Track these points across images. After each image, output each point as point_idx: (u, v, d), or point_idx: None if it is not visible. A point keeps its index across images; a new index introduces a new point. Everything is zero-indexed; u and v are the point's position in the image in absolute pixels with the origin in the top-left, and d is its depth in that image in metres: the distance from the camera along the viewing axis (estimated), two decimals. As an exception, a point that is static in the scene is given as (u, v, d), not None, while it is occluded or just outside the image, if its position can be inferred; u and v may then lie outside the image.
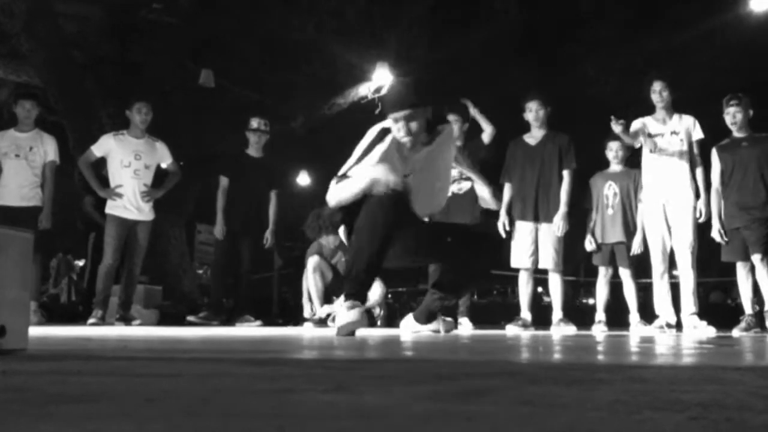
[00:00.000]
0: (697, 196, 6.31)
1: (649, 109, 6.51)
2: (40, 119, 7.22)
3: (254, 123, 7.68)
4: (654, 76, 6.51)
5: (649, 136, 6.34)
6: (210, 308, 7.57)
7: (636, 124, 6.44)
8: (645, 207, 6.49)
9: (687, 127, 6.37)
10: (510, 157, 6.96)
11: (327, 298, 7.63)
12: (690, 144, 6.35)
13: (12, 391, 1.18)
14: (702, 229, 6.43)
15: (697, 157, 6.38)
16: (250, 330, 6.27)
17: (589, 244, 6.97)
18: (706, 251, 6.52)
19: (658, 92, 6.41)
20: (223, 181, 7.64)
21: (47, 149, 6.96)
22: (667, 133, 6.38)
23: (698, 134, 6.36)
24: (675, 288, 6.46)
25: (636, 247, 6.72)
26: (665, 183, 6.32)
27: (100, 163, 7.19)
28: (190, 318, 7.27)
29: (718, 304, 16.59)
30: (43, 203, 6.89)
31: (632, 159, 7.01)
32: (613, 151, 6.99)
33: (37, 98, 7.38)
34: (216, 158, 8.14)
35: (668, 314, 6.32)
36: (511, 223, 6.76)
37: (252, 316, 7.52)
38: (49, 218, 6.90)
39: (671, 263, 6.40)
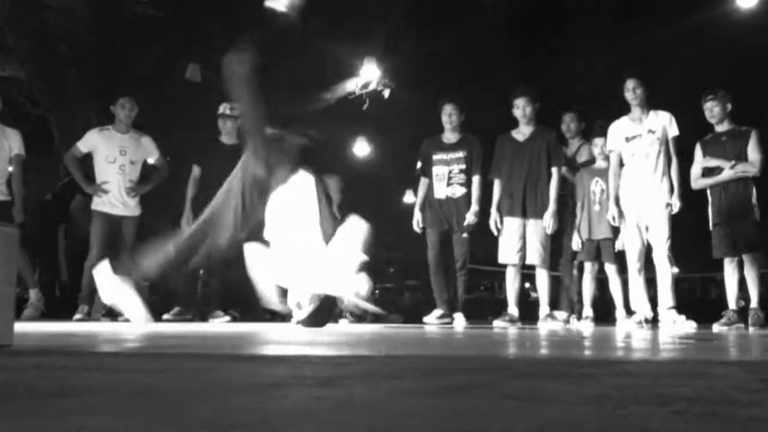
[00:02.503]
0: (671, 191, 6.34)
1: (628, 107, 6.51)
2: (24, 112, 7.14)
3: (221, 108, 7.51)
4: (627, 74, 6.51)
5: (626, 140, 6.40)
6: (182, 303, 7.42)
7: (613, 133, 6.46)
8: (621, 207, 6.50)
9: (663, 124, 6.39)
10: (498, 153, 6.96)
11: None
12: (666, 141, 6.38)
13: (-3, 387, 1.17)
14: (686, 225, 6.46)
15: (674, 154, 6.41)
16: (236, 326, 6.25)
17: (576, 244, 6.99)
18: (691, 246, 6.55)
19: (631, 90, 6.42)
20: (195, 170, 7.39)
21: (12, 143, 6.87)
22: (644, 132, 6.40)
23: (674, 131, 6.38)
24: (653, 283, 6.51)
25: (619, 244, 6.76)
26: (640, 181, 6.35)
27: (88, 160, 7.12)
28: (166, 316, 7.19)
29: (702, 299, 16.69)
30: (12, 198, 6.80)
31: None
32: (598, 147, 7.00)
33: None
34: (188, 147, 7.93)
35: (645, 310, 6.36)
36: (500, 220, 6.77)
37: (221, 311, 7.32)
38: (22, 212, 6.82)
39: (649, 260, 6.44)
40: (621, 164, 6.49)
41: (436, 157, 6.95)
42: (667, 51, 11.05)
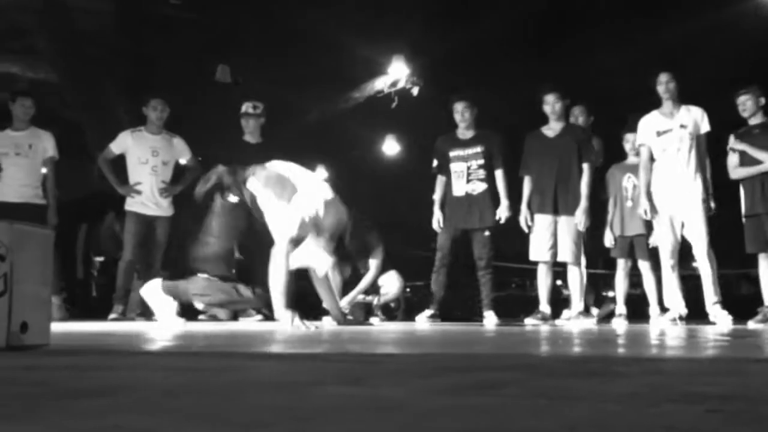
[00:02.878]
0: (707, 188, 6.27)
1: (658, 102, 6.45)
2: (56, 115, 7.21)
3: (243, 107, 7.54)
4: (660, 68, 6.44)
5: (657, 134, 6.34)
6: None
7: (644, 127, 6.40)
8: (655, 203, 6.43)
9: (695, 119, 6.32)
10: (527, 150, 6.92)
11: (345, 293, 7.62)
12: (698, 137, 6.31)
13: (33, 386, 1.19)
14: (722, 222, 6.37)
15: (705, 151, 6.33)
16: (268, 325, 6.29)
17: (608, 241, 6.93)
18: (723, 242, 6.46)
19: (664, 84, 6.35)
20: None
21: (46, 145, 6.97)
22: (676, 127, 6.33)
23: (706, 127, 6.30)
24: (690, 280, 6.43)
25: (653, 240, 6.69)
26: (673, 176, 6.28)
27: (121, 161, 7.18)
28: (202, 317, 7.25)
29: (736, 295, 16.46)
30: (47, 200, 6.91)
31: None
32: (630, 143, 6.94)
33: (33, 96, 7.34)
34: (216, 148, 7.98)
35: (679, 306, 6.29)
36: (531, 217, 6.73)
37: (254, 310, 7.35)
38: (56, 215, 6.92)
39: (687, 256, 6.37)
40: (651, 159, 6.43)
41: (452, 153, 6.90)
42: (692, 46, 10.91)
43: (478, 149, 6.82)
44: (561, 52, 11.29)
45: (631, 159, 6.91)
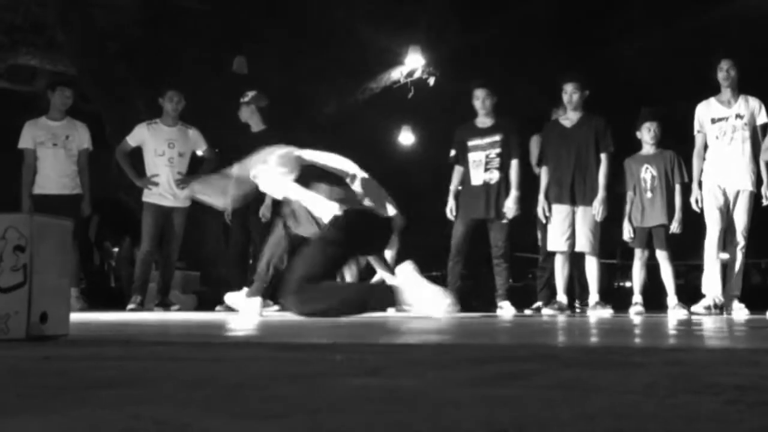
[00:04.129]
0: (760, 181, 6.21)
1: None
2: (76, 108, 7.27)
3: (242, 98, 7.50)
4: (722, 54, 6.35)
5: (712, 121, 6.28)
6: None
7: (700, 114, 6.33)
8: (703, 189, 6.38)
9: (752, 110, 6.25)
10: (545, 140, 6.90)
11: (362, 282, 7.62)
12: (754, 128, 6.25)
13: (53, 376, 1.21)
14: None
15: (762, 141, 6.25)
16: (285, 315, 6.30)
17: (627, 234, 6.90)
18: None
19: (725, 71, 6.26)
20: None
21: (82, 137, 7.04)
22: (732, 116, 6.26)
23: (763, 118, 6.23)
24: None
25: (675, 227, 6.66)
26: (726, 166, 6.21)
27: (138, 154, 7.21)
28: (219, 308, 7.28)
29: (752, 285, 16.34)
30: (83, 191, 6.97)
31: (665, 140, 6.91)
32: (651, 131, 6.90)
33: (74, 86, 7.44)
34: (229, 142, 7.98)
35: (716, 293, 6.22)
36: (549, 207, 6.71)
37: (270, 300, 7.33)
38: (90, 205, 7.00)
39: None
40: (705, 146, 6.37)
41: (471, 143, 6.85)
42: (718, 35, 10.80)
43: (497, 138, 6.76)
44: (581, 41, 11.22)
45: (647, 149, 6.86)
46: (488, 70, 8.72)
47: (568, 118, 6.76)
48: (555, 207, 6.68)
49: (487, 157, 6.76)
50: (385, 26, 10.12)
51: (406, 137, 12.90)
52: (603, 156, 6.60)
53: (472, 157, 6.82)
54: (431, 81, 10.35)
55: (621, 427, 0.73)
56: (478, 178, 6.78)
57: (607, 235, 6.88)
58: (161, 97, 7.20)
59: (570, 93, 6.68)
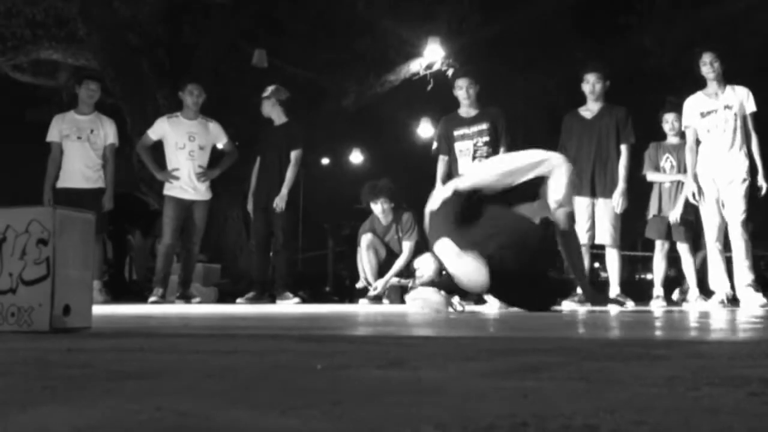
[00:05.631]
0: (753, 170, 6.17)
1: (700, 82, 6.33)
2: (97, 102, 7.31)
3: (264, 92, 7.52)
4: (703, 48, 6.32)
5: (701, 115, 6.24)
6: (256, 288, 7.51)
7: (689, 108, 6.30)
8: (700, 182, 6.34)
9: (740, 99, 6.21)
10: (565, 131, 6.85)
11: (381, 275, 7.63)
12: (744, 117, 6.20)
13: (77, 368, 1.22)
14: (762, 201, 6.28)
15: (752, 130, 6.22)
16: (305, 307, 6.33)
17: (653, 211, 6.82)
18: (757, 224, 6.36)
19: (708, 64, 6.24)
20: (258, 160, 7.50)
21: (107, 132, 7.07)
22: (720, 108, 6.22)
23: (752, 107, 6.19)
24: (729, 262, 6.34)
25: (673, 217, 6.60)
26: (717, 158, 6.19)
27: (160, 147, 7.25)
28: (240, 300, 7.32)
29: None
30: (106, 185, 7.00)
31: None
32: (669, 123, 6.85)
33: (100, 80, 7.48)
34: (252, 135, 7.99)
35: (726, 288, 6.20)
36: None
37: (291, 292, 7.36)
38: (112, 200, 7.03)
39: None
40: (697, 141, 6.33)
41: (457, 133, 6.77)
42: (741, 24, 10.68)
43: (484, 126, 6.66)
44: (604, 32, 11.13)
45: (670, 139, 6.82)
46: (509, 61, 8.68)
47: (589, 109, 6.71)
48: (575, 199, 6.65)
49: (474, 145, 6.70)
50: (404, 18, 10.09)
51: (426, 129, 12.87)
52: (623, 147, 6.55)
53: (459, 146, 6.76)
54: (450, 73, 10.32)
55: (643, 419, 0.72)
56: (465, 167, 6.69)
57: (627, 226, 6.84)
58: (181, 91, 7.23)
59: (593, 83, 6.63)
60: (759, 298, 5.95)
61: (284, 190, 7.22)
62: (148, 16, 9.74)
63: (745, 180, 6.08)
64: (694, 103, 6.31)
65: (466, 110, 6.81)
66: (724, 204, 6.17)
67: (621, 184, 6.48)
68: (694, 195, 6.27)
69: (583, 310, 5.54)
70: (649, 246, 7.18)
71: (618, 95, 7.03)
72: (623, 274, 6.80)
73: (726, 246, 6.27)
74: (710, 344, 2.00)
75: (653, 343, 2.04)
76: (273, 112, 7.40)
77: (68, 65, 10.51)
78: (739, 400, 0.86)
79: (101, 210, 6.75)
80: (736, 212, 6.06)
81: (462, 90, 6.76)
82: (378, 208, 7.58)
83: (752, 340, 2.19)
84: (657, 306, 6.56)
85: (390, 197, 7.53)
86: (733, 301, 6.21)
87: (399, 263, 7.60)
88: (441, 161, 6.91)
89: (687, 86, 6.42)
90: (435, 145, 6.99)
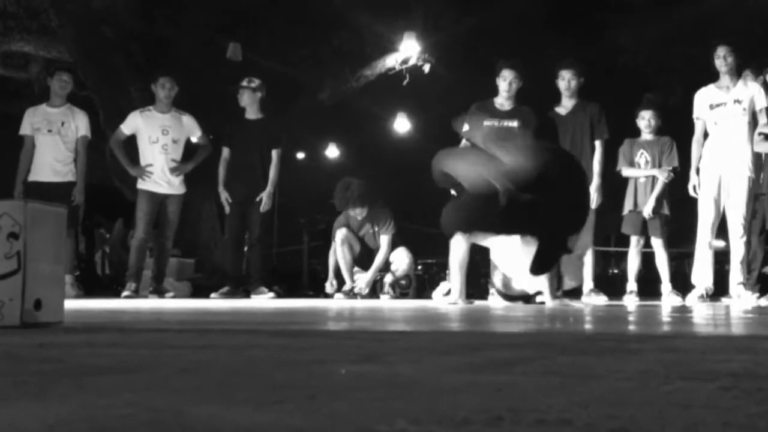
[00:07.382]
0: (759, 167, 6.21)
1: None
2: (71, 95, 7.23)
3: (241, 83, 7.47)
4: (718, 41, 6.34)
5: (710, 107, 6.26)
6: (230, 283, 7.47)
7: (699, 100, 6.32)
8: (700, 177, 6.37)
9: (751, 95, 6.24)
10: (541, 128, 6.87)
11: (364, 268, 7.61)
12: (753, 113, 6.23)
13: (49, 363, 1.20)
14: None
15: (763, 126, 6.24)
16: (280, 302, 6.31)
17: (629, 207, 6.87)
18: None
19: (722, 57, 6.25)
20: (225, 152, 7.41)
21: (79, 124, 6.99)
22: (730, 102, 6.25)
23: (762, 102, 6.22)
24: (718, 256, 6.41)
25: (647, 212, 6.65)
26: (723, 152, 6.21)
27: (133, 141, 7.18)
28: (214, 295, 7.27)
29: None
30: (76, 178, 6.93)
31: (662, 127, 6.91)
32: (645, 120, 6.89)
33: (73, 72, 7.40)
34: (220, 128, 7.91)
35: (707, 282, 6.22)
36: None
37: (265, 287, 7.32)
38: (83, 193, 6.95)
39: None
40: (705, 134, 6.37)
41: (487, 123, 6.36)
42: (713, 22, 10.78)
43: (515, 123, 6.36)
44: (579, 29, 11.19)
45: (645, 136, 6.86)
46: (483, 58, 8.68)
47: (564, 105, 6.74)
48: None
49: None
50: (380, 13, 10.08)
51: (402, 124, 12.88)
52: (597, 143, 6.58)
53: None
54: (426, 68, 10.32)
55: (616, 413, 0.73)
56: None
57: (601, 222, 6.88)
58: (153, 84, 7.17)
59: (568, 79, 6.64)
60: (748, 295, 6.00)
61: (270, 188, 7.23)
62: (122, 8, 9.64)
63: (750, 177, 6.13)
64: (704, 95, 6.33)
65: (501, 102, 6.46)
66: (727, 195, 6.19)
67: (596, 180, 6.50)
68: (694, 188, 6.30)
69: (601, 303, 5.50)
70: (623, 241, 7.22)
71: (593, 92, 7.06)
72: (596, 269, 6.85)
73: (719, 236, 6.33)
74: (683, 339, 2.02)
75: (627, 338, 2.05)
76: (252, 104, 7.37)
77: (40, 57, 10.37)
78: (711, 394, 0.86)
79: (72, 203, 6.67)
80: (738, 212, 6.10)
81: (505, 81, 6.39)
82: (351, 212, 7.56)
83: (724, 336, 2.22)
84: (630, 301, 6.61)
85: (362, 204, 7.42)
86: (712, 296, 6.28)
87: (379, 258, 7.60)
88: (463, 145, 6.44)
89: (661, 83, 6.47)
90: (466, 127, 6.44)
